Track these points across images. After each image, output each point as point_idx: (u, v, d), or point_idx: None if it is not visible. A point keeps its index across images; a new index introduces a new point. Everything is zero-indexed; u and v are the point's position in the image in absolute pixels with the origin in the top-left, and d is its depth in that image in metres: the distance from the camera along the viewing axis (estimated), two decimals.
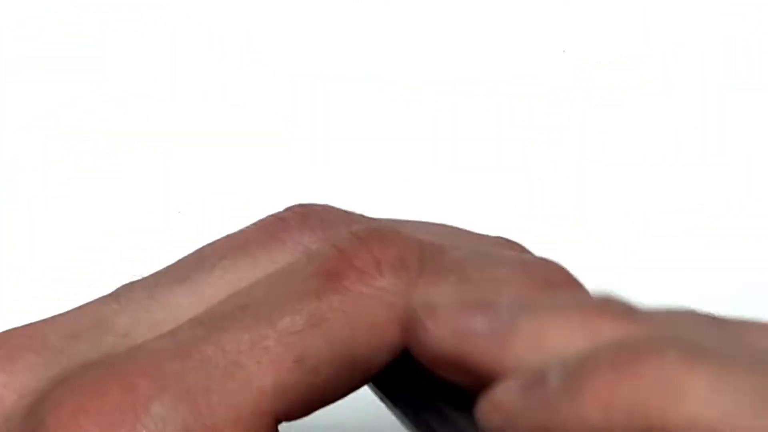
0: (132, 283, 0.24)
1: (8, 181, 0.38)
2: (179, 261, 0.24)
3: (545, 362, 0.19)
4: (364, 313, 0.22)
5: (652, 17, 0.39)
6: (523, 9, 0.39)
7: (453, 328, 0.21)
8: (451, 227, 0.26)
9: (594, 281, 0.23)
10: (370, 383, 0.24)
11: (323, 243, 0.23)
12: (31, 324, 0.23)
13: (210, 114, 0.37)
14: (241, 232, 0.25)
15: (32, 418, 0.21)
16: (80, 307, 0.24)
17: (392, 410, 0.23)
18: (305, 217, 0.25)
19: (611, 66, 0.39)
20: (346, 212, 0.25)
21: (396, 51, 0.39)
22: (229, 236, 0.25)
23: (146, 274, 0.24)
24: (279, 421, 0.22)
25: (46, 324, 0.23)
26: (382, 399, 0.24)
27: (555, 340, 0.19)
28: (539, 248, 0.25)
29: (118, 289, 0.24)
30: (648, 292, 0.22)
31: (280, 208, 0.25)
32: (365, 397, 0.24)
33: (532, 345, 0.19)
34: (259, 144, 0.37)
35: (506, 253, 0.24)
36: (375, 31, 0.39)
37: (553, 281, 0.23)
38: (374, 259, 0.22)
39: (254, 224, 0.25)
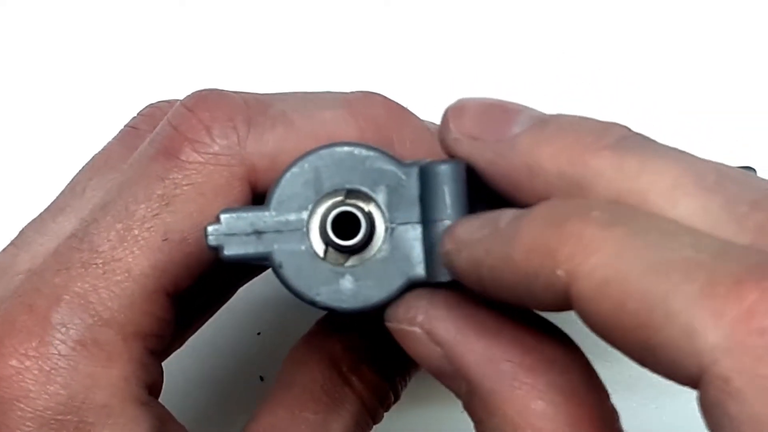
0: (23, 229, 0.27)
1: (8, 181, 0.38)
2: (57, 196, 0.27)
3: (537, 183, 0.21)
4: (207, 180, 0.24)
5: (652, 18, 0.39)
6: (523, 9, 0.39)
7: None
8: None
9: None
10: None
11: (162, 122, 0.25)
12: None
13: None
14: (102, 150, 0.27)
15: None
16: None
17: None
18: (152, 117, 0.28)
19: (611, 66, 0.39)
20: None
21: (397, 52, 0.39)
22: (93, 157, 0.27)
23: None
24: (170, 295, 0.24)
25: None
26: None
27: (547, 165, 0.20)
28: None
29: (14, 238, 0.26)
30: None
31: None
32: None
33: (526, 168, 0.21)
34: None
35: (331, 95, 0.26)
36: (376, 32, 0.39)
37: (375, 116, 0.25)
38: (204, 127, 0.24)
39: (113, 138, 0.28)
